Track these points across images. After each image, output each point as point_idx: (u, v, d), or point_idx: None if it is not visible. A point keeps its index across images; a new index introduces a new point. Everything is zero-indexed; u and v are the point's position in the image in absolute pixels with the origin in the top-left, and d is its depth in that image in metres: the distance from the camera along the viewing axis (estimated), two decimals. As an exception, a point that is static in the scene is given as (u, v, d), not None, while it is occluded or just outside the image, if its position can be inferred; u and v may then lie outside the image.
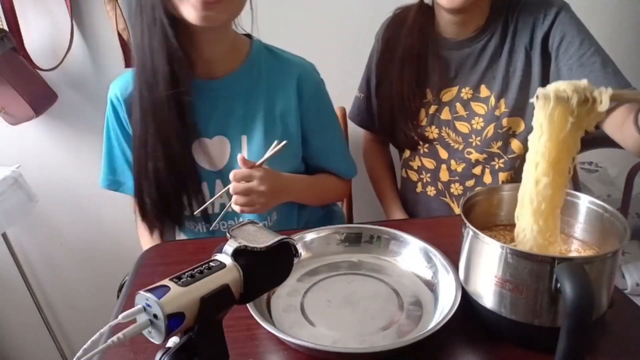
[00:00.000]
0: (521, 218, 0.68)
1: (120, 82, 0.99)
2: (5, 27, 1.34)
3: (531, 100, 0.63)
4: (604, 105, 0.59)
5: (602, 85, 0.60)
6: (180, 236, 1.11)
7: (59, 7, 1.37)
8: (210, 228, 1.00)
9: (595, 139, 1.11)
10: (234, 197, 0.90)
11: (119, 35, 1.38)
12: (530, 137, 0.65)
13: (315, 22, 1.47)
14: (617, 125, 0.91)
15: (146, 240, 1.08)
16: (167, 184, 0.94)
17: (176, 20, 0.87)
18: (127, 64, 1.41)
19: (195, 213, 0.97)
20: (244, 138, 1.00)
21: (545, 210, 0.65)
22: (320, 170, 1.11)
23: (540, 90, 0.61)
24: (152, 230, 1.01)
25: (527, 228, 0.67)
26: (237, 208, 0.91)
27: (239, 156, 0.89)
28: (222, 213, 0.96)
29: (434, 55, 1.11)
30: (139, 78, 0.91)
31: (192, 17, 0.84)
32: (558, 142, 0.62)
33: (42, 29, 1.41)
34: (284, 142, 0.89)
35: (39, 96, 1.39)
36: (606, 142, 1.08)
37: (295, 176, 1.04)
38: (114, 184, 1.05)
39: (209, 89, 0.97)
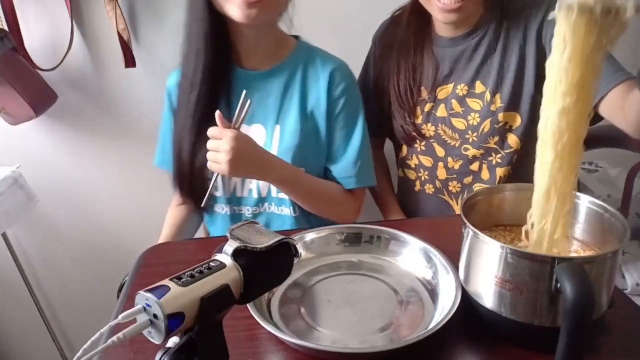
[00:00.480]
0: (540, 155, 0.63)
1: (177, 74, 1.06)
2: (5, 27, 1.34)
3: (551, 17, 0.60)
4: (629, 12, 0.55)
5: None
6: (206, 220, 1.17)
7: (59, 7, 1.37)
8: (202, 205, 1.00)
9: (596, 139, 1.11)
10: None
11: (119, 35, 1.38)
12: (548, 62, 0.61)
13: (314, 22, 1.46)
14: (616, 106, 0.89)
15: (173, 213, 1.15)
16: (199, 164, 1.00)
17: (223, 15, 0.94)
18: (127, 64, 1.41)
19: (202, 204, 1.00)
20: (277, 128, 1.04)
21: (567, 142, 0.60)
22: (329, 177, 1.09)
23: (562, 0, 0.58)
24: (186, 203, 1.11)
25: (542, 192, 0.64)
26: (208, 164, 0.93)
27: (216, 113, 0.90)
28: (212, 182, 0.97)
29: (428, 53, 1.11)
30: (182, 70, 1.02)
31: (236, 15, 0.91)
32: (582, 58, 0.58)
33: (42, 29, 1.41)
34: (244, 92, 0.90)
35: (39, 96, 1.39)
36: (606, 142, 1.08)
37: (284, 162, 1.00)
38: (164, 164, 1.12)
39: (251, 79, 1.04)
